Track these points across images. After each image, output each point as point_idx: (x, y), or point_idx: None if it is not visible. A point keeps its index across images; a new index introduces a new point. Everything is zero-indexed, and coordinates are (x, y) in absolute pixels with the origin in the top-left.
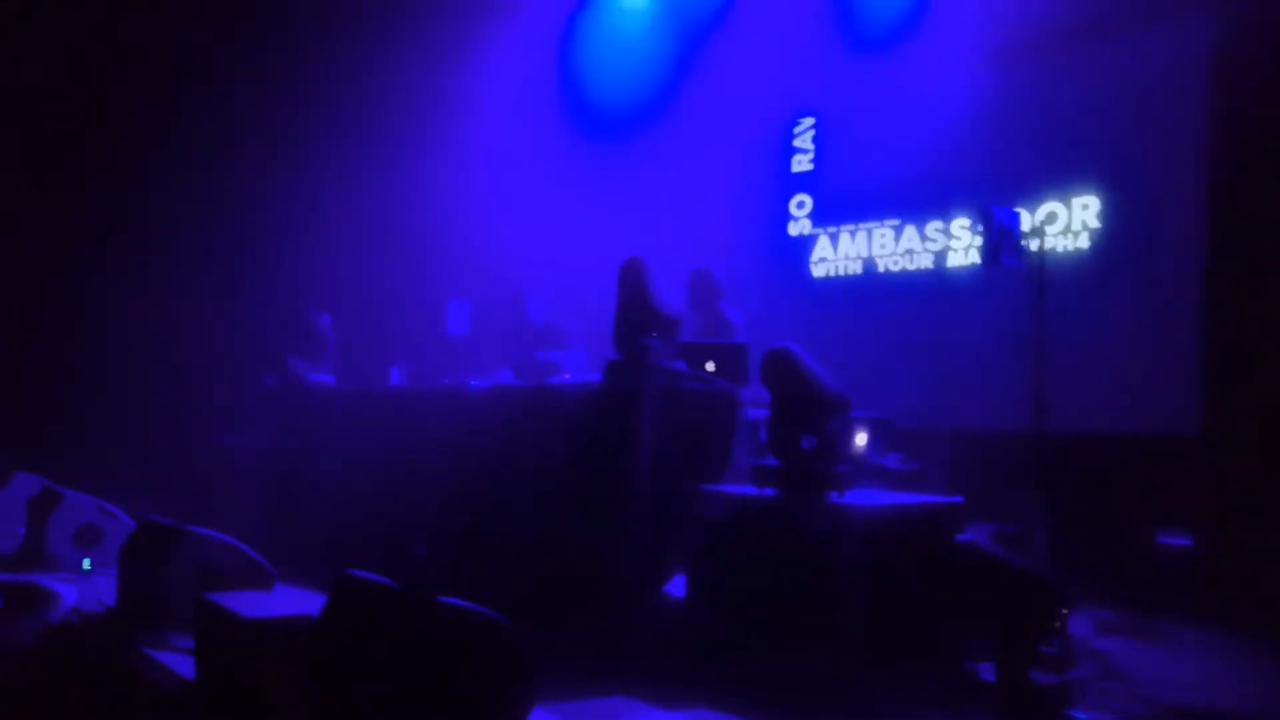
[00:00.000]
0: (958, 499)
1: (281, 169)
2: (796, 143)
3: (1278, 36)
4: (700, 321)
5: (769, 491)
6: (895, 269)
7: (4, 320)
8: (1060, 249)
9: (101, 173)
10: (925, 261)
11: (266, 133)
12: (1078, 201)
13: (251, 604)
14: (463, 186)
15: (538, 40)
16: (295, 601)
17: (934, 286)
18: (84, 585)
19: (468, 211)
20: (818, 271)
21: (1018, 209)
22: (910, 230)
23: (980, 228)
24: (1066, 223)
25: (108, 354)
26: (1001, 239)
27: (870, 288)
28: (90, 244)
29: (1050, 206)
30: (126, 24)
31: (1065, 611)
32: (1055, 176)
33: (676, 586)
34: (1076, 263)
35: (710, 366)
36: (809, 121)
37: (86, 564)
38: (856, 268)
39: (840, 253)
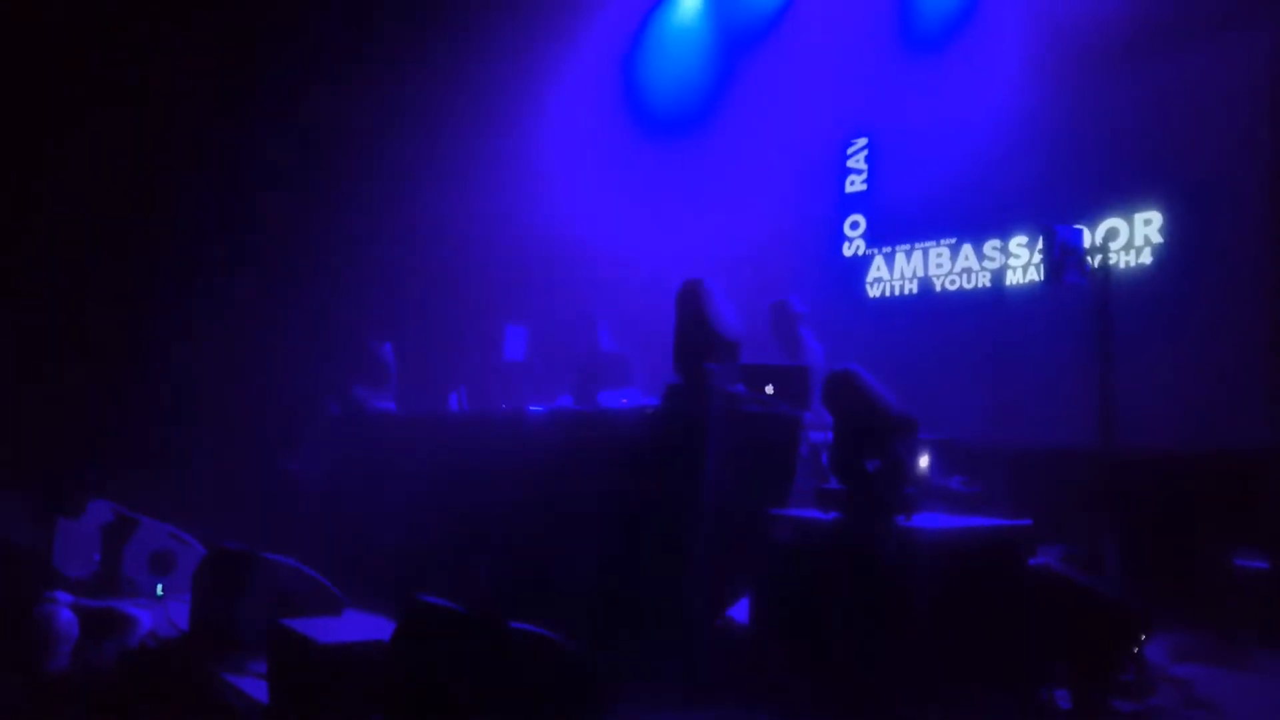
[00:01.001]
0: (1026, 521)
1: (341, 200)
2: (850, 163)
3: None
4: (781, 349)
5: (833, 515)
6: (952, 288)
7: (75, 351)
8: (1123, 265)
9: (165, 210)
10: (983, 280)
11: (325, 164)
12: (1140, 217)
13: (324, 629)
14: (521, 214)
15: (596, 66)
16: (366, 626)
17: (993, 305)
18: (158, 610)
19: (526, 239)
20: (873, 292)
21: (1079, 225)
22: (967, 249)
23: (1040, 245)
24: (1129, 238)
25: (177, 384)
26: (1064, 256)
27: (927, 307)
28: (158, 276)
29: (1111, 222)
30: (196, 71)
31: (1142, 637)
32: (1116, 192)
33: (741, 611)
34: (1140, 278)
35: (770, 389)
36: (862, 142)
37: (160, 589)
38: (913, 287)
39: (896, 273)
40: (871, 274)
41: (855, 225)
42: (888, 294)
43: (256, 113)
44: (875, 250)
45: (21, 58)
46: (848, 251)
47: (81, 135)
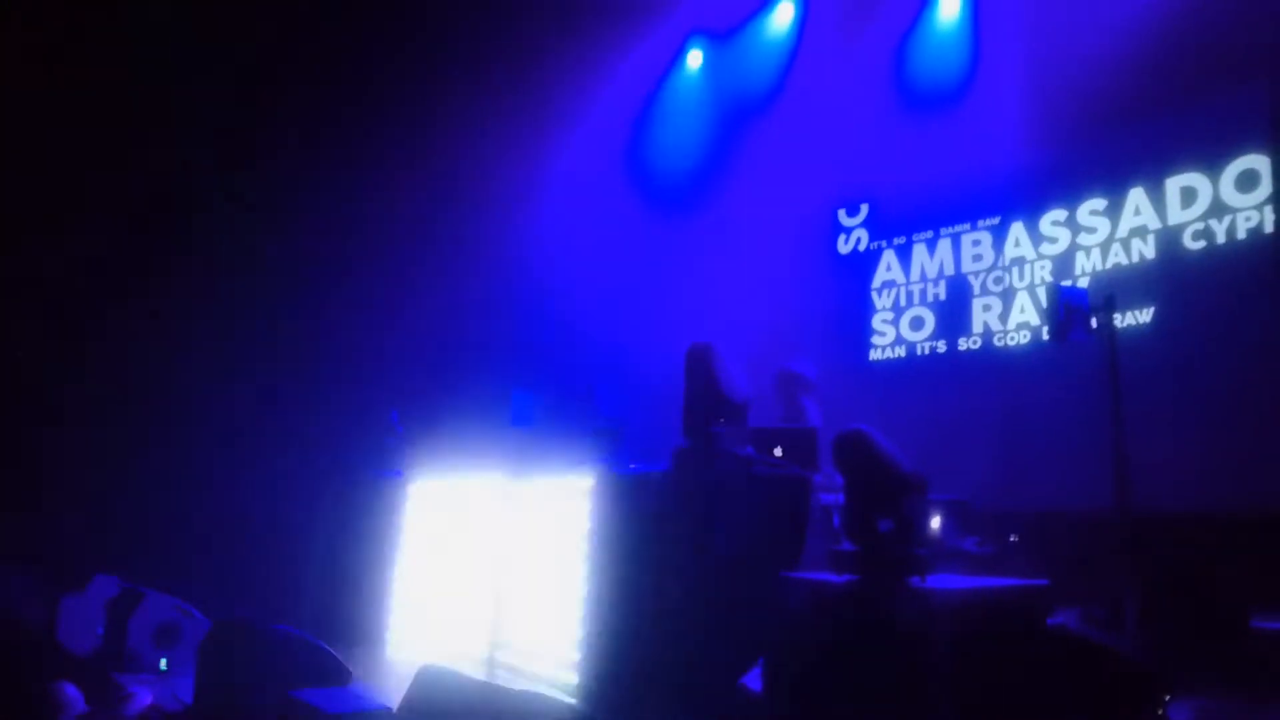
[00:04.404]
0: (1043, 581)
1: (348, 270)
2: (855, 232)
3: None
4: (782, 411)
5: (847, 577)
6: (961, 349)
7: (83, 425)
8: (1127, 323)
9: (179, 288)
10: (992, 340)
11: (333, 231)
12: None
13: (333, 700)
14: (528, 282)
15: (602, 136)
16: (374, 696)
17: (1001, 365)
18: (162, 685)
19: (532, 306)
20: (876, 355)
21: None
22: (975, 306)
23: (1045, 306)
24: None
25: (183, 456)
26: (1069, 315)
27: (934, 368)
28: (166, 349)
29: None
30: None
31: (1165, 697)
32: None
33: (754, 679)
34: (1144, 336)
35: (778, 451)
36: (865, 208)
37: (163, 664)
38: (921, 349)
39: (903, 333)
40: (877, 334)
41: (862, 285)
42: (892, 356)
43: (263, 190)
44: (881, 309)
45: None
46: (854, 311)
47: (96, 221)
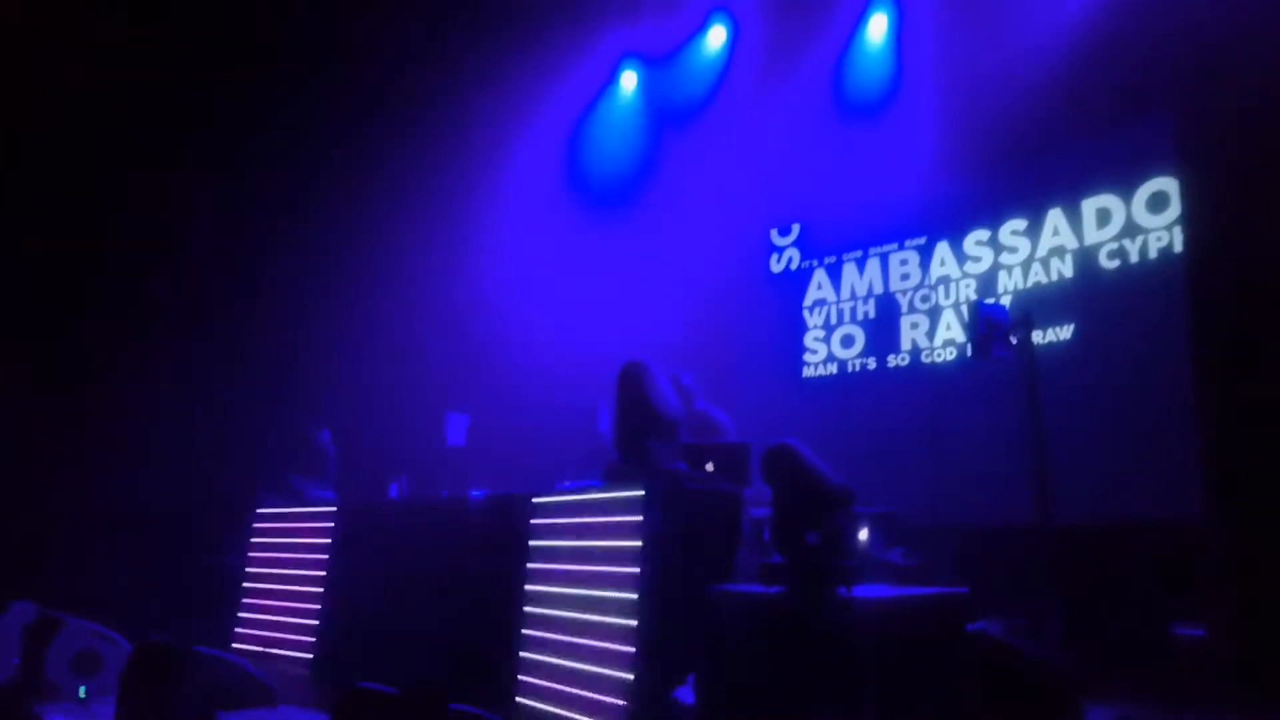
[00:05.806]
0: (963, 590)
1: (278, 287)
2: (786, 252)
3: (1237, 125)
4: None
5: (777, 589)
6: (890, 366)
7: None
8: (1048, 340)
9: (96, 296)
10: (921, 357)
11: (263, 246)
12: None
13: None
14: (460, 300)
15: (537, 156)
16: (300, 717)
17: (928, 381)
18: (82, 713)
19: (465, 325)
20: (809, 372)
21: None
22: (903, 324)
23: (967, 322)
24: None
25: (105, 477)
26: (990, 331)
27: (864, 384)
28: (86, 364)
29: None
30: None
31: (1082, 701)
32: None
33: (687, 694)
34: (1065, 352)
35: (709, 467)
36: (796, 228)
37: (82, 692)
38: (853, 365)
39: (834, 350)
40: (809, 351)
41: (794, 304)
42: (824, 373)
43: (198, 199)
44: (813, 327)
45: None
46: (786, 330)
47: (28, 231)
